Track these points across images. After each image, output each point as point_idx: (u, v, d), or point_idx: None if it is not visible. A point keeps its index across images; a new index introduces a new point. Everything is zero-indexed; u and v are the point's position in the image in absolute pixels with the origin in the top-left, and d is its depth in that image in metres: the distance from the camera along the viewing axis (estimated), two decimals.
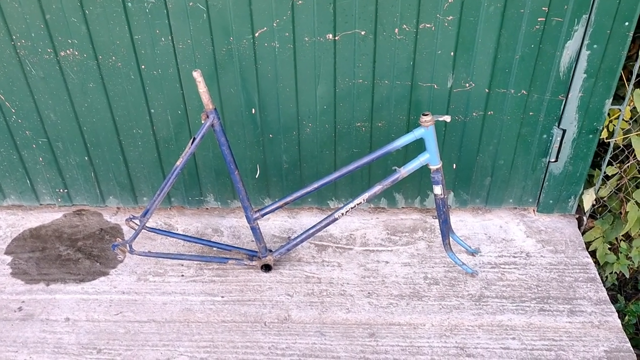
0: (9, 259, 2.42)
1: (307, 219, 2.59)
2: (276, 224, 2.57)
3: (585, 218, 2.49)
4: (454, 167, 2.41)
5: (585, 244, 2.44)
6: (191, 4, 2.00)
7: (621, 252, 2.45)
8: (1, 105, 2.29)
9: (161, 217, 2.61)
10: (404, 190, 2.51)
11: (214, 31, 2.07)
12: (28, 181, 2.53)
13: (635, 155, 2.26)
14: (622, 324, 2.09)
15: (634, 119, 2.25)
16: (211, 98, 1.93)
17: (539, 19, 2.01)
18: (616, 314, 2.12)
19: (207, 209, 2.64)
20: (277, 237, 2.51)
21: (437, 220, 2.55)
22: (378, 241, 2.47)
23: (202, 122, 1.96)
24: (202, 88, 1.89)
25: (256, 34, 2.07)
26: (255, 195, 2.53)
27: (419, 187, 2.50)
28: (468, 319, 2.11)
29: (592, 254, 2.43)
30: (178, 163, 2.02)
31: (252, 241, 2.48)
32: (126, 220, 2.25)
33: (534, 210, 2.57)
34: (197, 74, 1.86)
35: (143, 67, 2.16)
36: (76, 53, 2.13)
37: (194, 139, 1.99)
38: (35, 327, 2.12)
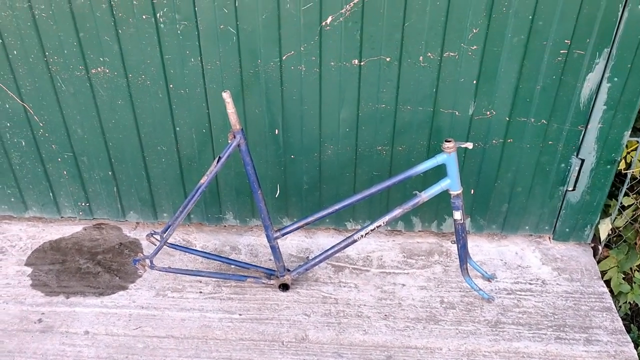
0: (29, 270, 2.44)
1: (324, 239, 2.61)
2: (293, 243, 2.60)
3: (600, 247, 2.51)
4: (472, 192, 2.44)
5: (600, 273, 2.45)
6: (222, 26, 2.06)
7: (635, 282, 2.46)
8: (30, 119, 2.34)
9: (180, 233, 2.64)
10: (422, 214, 2.54)
11: (242, 53, 2.12)
12: (51, 194, 2.57)
13: None
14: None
15: None
16: (238, 118, 1.97)
17: (561, 51, 2.05)
18: (632, 344, 2.13)
19: (225, 226, 2.67)
20: (294, 256, 2.53)
21: (453, 245, 2.57)
22: (394, 264, 2.49)
23: (229, 141, 2.00)
24: (230, 109, 1.93)
25: (283, 57, 2.12)
26: (273, 215, 2.56)
27: (437, 211, 2.52)
28: (485, 344, 2.12)
29: (607, 283, 2.45)
30: (202, 181, 2.05)
31: (270, 260, 2.50)
32: (147, 235, 2.27)
33: (549, 238, 2.59)
34: (226, 95, 1.90)
35: (171, 86, 2.21)
36: (107, 71, 2.18)
37: (220, 158, 2.02)
38: (55, 339, 2.13)
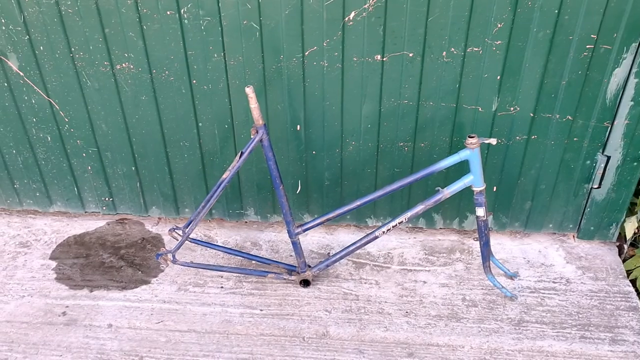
0: (53, 264, 2.48)
1: (345, 235, 2.61)
2: (314, 239, 2.60)
3: (626, 246, 2.47)
4: (495, 189, 2.42)
5: (626, 272, 2.41)
6: (245, 22, 2.06)
7: None
8: (55, 114, 2.37)
9: (201, 228, 2.66)
10: (443, 211, 2.52)
11: (265, 49, 2.13)
12: (75, 189, 2.60)
13: None
14: None
15: None
16: (261, 114, 1.98)
17: (587, 46, 2.02)
18: None
19: (246, 222, 2.68)
20: (314, 252, 2.53)
21: (475, 242, 2.55)
22: (416, 261, 2.47)
23: (252, 137, 2.00)
24: (253, 104, 1.94)
25: (306, 53, 2.12)
26: (295, 211, 2.56)
27: (458, 208, 2.50)
28: (508, 343, 2.09)
29: (632, 282, 2.40)
30: (225, 176, 2.06)
31: (291, 256, 2.50)
32: (170, 230, 2.29)
33: (573, 236, 2.56)
34: (249, 90, 1.91)
35: (194, 81, 2.22)
36: (131, 66, 2.20)
37: (242, 153, 2.03)
38: (78, 332, 2.16)
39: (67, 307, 2.27)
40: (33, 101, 2.34)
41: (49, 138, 2.44)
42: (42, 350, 2.09)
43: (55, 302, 2.29)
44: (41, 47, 2.19)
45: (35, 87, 2.30)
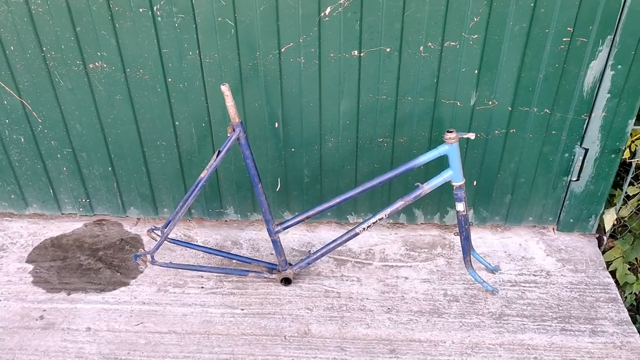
0: (30, 267, 2.43)
1: (326, 233, 2.60)
2: (295, 237, 2.58)
3: (605, 238, 2.49)
4: (475, 184, 2.42)
5: (606, 263, 2.43)
6: (220, 19, 2.03)
7: None
8: (28, 115, 2.32)
9: (181, 228, 2.63)
10: (424, 206, 2.52)
11: (240, 46, 2.10)
12: (51, 190, 2.56)
13: None
14: None
15: None
16: (237, 112, 1.95)
17: (563, 39, 2.02)
18: (638, 335, 2.11)
19: (226, 221, 2.65)
20: (296, 250, 2.51)
21: (456, 237, 2.55)
22: (397, 257, 2.47)
23: (228, 135, 1.98)
24: (229, 102, 1.91)
25: (282, 50, 2.10)
26: (275, 209, 2.55)
27: (439, 203, 2.50)
28: (489, 337, 2.10)
29: (612, 273, 2.42)
30: (202, 175, 2.03)
31: (271, 254, 2.49)
32: (148, 231, 2.26)
33: (553, 229, 2.57)
34: (225, 88, 1.88)
35: (170, 80, 2.19)
36: (105, 65, 2.16)
37: (219, 152, 2.01)
38: (56, 336, 2.12)
39: (44, 310, 2.23)
40: (5, 102, 2.29)
41: (23, 139, 2.40)
42: (19, 355, 2.05)
43: (32, 305, 2.25)
44: (11, 47, 2.15)
45: (6, 88, 2.25)
